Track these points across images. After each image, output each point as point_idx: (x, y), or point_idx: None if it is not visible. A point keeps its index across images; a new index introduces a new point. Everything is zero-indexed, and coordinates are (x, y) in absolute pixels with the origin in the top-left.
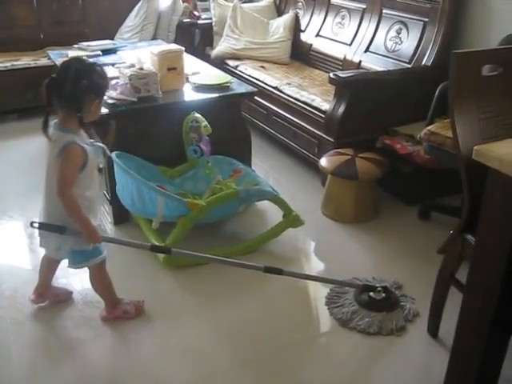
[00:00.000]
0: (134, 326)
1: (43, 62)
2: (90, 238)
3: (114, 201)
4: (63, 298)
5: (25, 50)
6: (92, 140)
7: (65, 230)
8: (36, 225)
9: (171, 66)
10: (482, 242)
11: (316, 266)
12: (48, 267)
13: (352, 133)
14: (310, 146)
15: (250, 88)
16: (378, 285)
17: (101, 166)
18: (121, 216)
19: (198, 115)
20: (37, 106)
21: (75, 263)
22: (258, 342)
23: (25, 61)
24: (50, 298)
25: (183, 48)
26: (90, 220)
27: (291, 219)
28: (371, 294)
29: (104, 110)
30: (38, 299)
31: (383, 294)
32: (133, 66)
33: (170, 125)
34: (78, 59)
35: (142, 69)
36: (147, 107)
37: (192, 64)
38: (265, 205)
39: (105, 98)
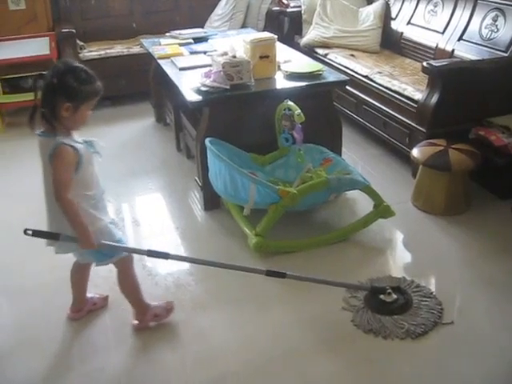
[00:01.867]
0: (213, 307)
1: (136, 50)
2: (84, 244)
3: (206, 187)
4: (100, 305)
5: (118, 38)
6: (84, 138)
7: (59, 236)
8: (30, 232)
9: (264, 54)
10: None
11: (403, 257)
12: (79, 278)
13: (445, 123)
14: (400, 136)
15: (342, 76)
16: (387, 286)
17: (100, 159)
18: (212, 202)
19: (291, 103)
20: (129, 93)
21: (100, 260)
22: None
23: (118, 49)
24: (88, 308)
25: (275, 36)
26: (87, 226)
27: (382, 210)
28: (381, 296)
29: (197, 97)
30: (75, 315)
31: (394, 296)
32: (225, 53)
33: (262, 112)
34: (65, 61)
35: (234, 57)
36: (240, 94)
37: (283, 52)
38: (355, 194)
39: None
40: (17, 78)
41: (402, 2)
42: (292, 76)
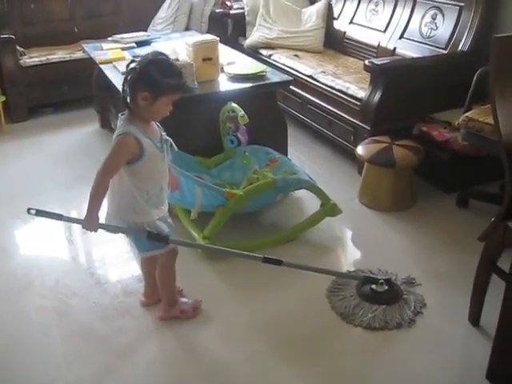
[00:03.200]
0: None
1: (78, 55)
2: (86, 223)
3: None
4: (189, 315)
5: (60, 43)
6: (163, 134)
7: (62, 216)
8: (33, 211)
9: (206, 57)
10: None
11: (352, 254)
12: (148, 265)
13: (388, 120)
14: (345, 135)
15: (286, 77)
16: (380, 277)
17: (169, 160)
18: None
19: (234, 105)
20: (72, 99)
21: (141, 250)
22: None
23: (60, 54)
24: (157, 298)
25: (218, 38)
26: (98, 210)
27: (329, 208)
28: (373, 286)
29: None
30: (147, 301)
31: (385, 287)
32: None
33: (207, 115)
34: (155, 52)
35: (177, 60)
36: (183, 98)
37: (226, 54)
38: (302, 194)
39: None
40: None
41: (344, 2)
42: (235, 78)
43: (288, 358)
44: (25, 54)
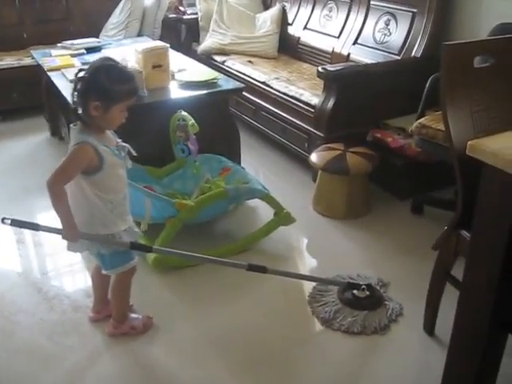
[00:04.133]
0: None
1: (27, 61)
2: (66, 233)
3: None
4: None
5: (8, 49)
6: (119, 141)
7: (38, 226)
8: (8, 221)
9: (156, 64)
10: (478, 238)
11: (308, 263)
12: (101, 279)
13: (342, 127)
14: (299, 142)
15: (238, 84)
16: (362, 282)
17: (129, 166)
18: None
19: (184, 113)
20: (21, 106)
21: (108, 268)
22: (246, 344)
23: (8, 61)
24: (106, 313)
25: (168, 45)
26: (70, 217)
27: (282, 217)
28: (355, 291)
29: None
30: (96, 316)
31: (367, 292)
32: None
33: (157, 124)
34: (104, 58)
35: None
36: (132, 106)
37: (178, 61)
38: (256, 202)
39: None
40: None
41: (298, 8)
42: (186, 85)
43: (253, 370)
44: None
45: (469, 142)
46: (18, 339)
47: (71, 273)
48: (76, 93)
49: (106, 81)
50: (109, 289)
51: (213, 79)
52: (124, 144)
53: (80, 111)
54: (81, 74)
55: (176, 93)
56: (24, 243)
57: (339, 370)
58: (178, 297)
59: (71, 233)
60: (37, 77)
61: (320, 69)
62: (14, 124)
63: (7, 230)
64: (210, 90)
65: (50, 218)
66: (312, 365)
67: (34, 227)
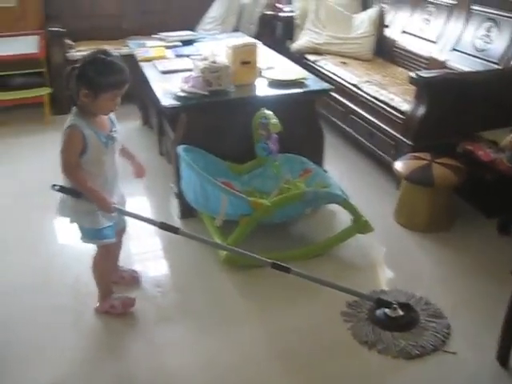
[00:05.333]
0: (178, 322)
1: (124, 50)
2: (102, 208)
3: (180, 195)
4: (129, 282)
5: (108, 39)
6: (114, 129)
7: (80, 194)
8: (56, 187)
9: (245, 60)
10: None
11: (381, 274)
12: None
13: (431, 136)
14: (386, 148)
15: (326, 85)
16: (394, 301)
17: (117, 154)
18: (187, 211)
19: (267, 111)
20: None
21: (82, 238)
22: (296, 351)
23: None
24: (117, 281)
25: (258, 42)
26: (98, 193)
27: (360, 225)
28: (387, 310)
29: (173, 103)
30: None
31: (400, 312)
32: (206, 58)
33: (241, 120)
34: (98, 50)
35: (214, 62)
36: (218, 101)
37: (268, 58)
38: (335, 207)
39: (114, 91)
40: (5, 76)
41: (397, 10)
42: (273, 83)
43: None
44: (73, 48)
45: None
46: (86, 321)
47: (148, 257)
48: (71, 80)
49: (93, 72)
50: (118, 258)
51: (300, 79)
52: (115, 135)
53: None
54: (76, 65)
55: (262, 90)
56: None
57: None
58: (244, 294)
59: (103, 205)
60: (132, 66)
61: (412, 74)
62: None
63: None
64: (296, 90)
65: (135, 203)
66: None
67: (78, 195)
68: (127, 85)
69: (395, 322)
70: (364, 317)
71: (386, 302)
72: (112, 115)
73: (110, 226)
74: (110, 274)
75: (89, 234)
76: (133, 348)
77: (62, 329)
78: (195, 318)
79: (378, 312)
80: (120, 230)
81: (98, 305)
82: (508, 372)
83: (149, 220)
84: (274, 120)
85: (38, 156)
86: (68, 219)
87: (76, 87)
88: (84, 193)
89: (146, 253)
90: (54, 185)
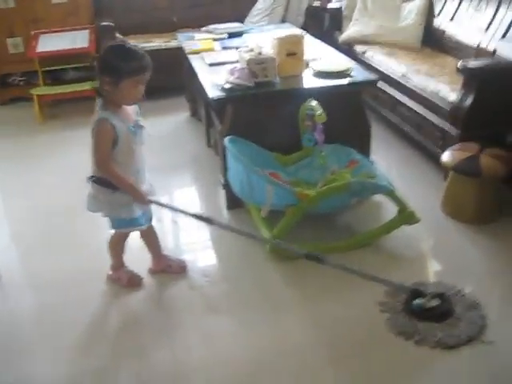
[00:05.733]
0: (225, 311)
1: (174, 44)
2: (138, 200)
3: (227, 186)
4: (175, 270)
5: (159, 32)
6: (139, 119)
7: (115, 188)
8: (93, 179)
9: (291, 51)
10: None
11: (427, 265)
12: (146, 239)
13: (479, 126)
14: (434, 139)
15: (371, 76)
16: (429, 292)
17: (142, 144)
18: (234, 202)
19: (313, 103)
20: (166, 86)
21: (114, 226)
22: (338, 340)
23: (157, 42)
24: (164, 269)
25: (304, 33)
26: (133, 186)
27: (406, 216)
28: (422, 301)
29: (220, 94)
30: (153, 269)
31: (434, 303)
32: (252, 50)
33: (287, 111)
34: (118, 40)
35: (260, 53)
36: (263, 92)
37: (315, 49)
38: (381, 198)
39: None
40: (58, 70)
41: None
42: (319, 74)
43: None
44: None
45: None
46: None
47: (199, 247)
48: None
49: (113, 58)
50: (158, 245)
51: (346, 70)
52: (141, 124)
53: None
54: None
55: (308, 81)
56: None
57: None
58: (289, 283)
59: (139, 197)
60: (181, 58)
61: (460, 63)
62: (159, 103)
63: None
64: (342, 81)
65: (183, 194)
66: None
67: (114, 187)
68: (148, 72)
69: (430, 313)
70: (400, 307)
71: (421, 292)
72: (135, 106)
73: (142, 214)
74: (123, 250)
75: (122, 224)
76: (183, 336)
77: (110, 315)
78: (242, 306)
79: (414, 302)
80: (151, 217)
81: (110, 273)
82: None
83: (183, 211)
84: (320, 111)
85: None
86: (100, 213)
87: (99, 76)
88: (120, 186)
89: (195, 243)
90: (92, 176)
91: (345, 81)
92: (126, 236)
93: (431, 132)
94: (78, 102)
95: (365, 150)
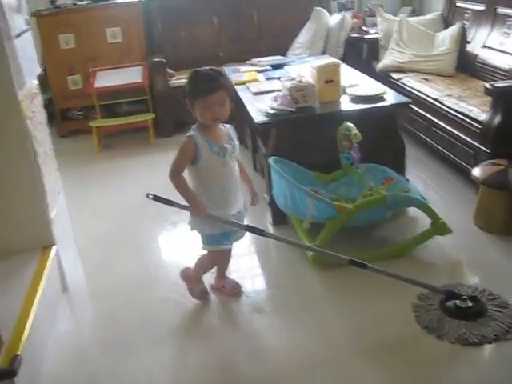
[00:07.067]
0: (271, 313)
1: None
2: (194, 211)
3: (273, 203)
4: (228, 292)
5: (206, 65)
6: (232, 142)
7: (173, 203)
8: (151, 196)
9: (328, 79)
10: None
11: (459, 275)
12: (221, 260)
13: (509, 143)
14: (466, 157)
15: (403, 99)
16: (464, 293)
17: (233, 163)
18: (279, 218)
19: (349, 124)
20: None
21: (202, 244)
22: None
23: None
24: (218, 288)
25: (341, 62)
26: (196, 197)
27: (438, 227)
28: (457, 301)
29: (264, 119)
30: (215, 285)
31: (469, 303)
32: (293, 78)
33: (326, 133)
34: (204, 67)
35: (300, 81)
36: (303, 116)
37: (352, 76)
38: (416, 212)
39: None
40: (114, 104)
41: (478, 26)
42: (355, 99)
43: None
44: (174, 76)
45: None
46: (185, 313)
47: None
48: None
49: (189, 81)
50: (227, 266)
51: (380, 94)
52: (229, 147)
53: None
54: None
55: (344, 105)
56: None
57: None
58: (327, 290)
59: (197, 210)
60: None
61: (487, 85)
62: None
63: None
64: (376, 104)
65: None
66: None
67: (170, 203)
68: (218, 92)
69: (463, 312)
70: (433, 307)
71: (456, 294)
72: (231, 130)
73: (224, 232)
74: (207, 271)
75: (207, 240)
76: (232, 334)
77: (169, 317)
78: (286, 310)
79: (448, 303)
80: (237, 239)
81: (185, 274)
82: None
83: (236, 224)
84: (355, 131)
85: (146, 174)
86: (190, 227)
87: (186, 102)
88: (181, 194)
89: (245, 255)
90: (149, 193)
91: (379, 104)
92: (216, 260)
93: (463, 150)
94: (132, 134)
95: (400, 168)
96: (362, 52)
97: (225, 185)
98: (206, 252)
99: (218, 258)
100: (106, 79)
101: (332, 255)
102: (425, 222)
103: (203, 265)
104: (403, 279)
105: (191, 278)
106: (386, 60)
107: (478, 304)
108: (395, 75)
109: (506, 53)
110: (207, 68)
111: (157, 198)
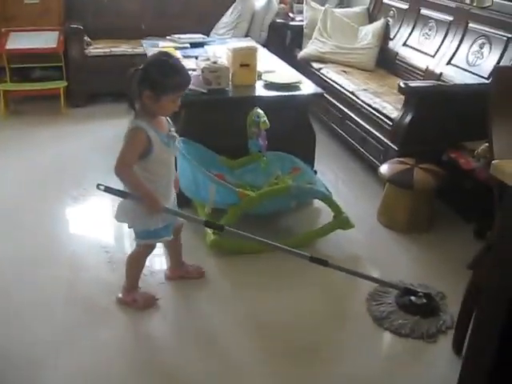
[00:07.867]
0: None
1: (140, 50)
2: (151, 207)
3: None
4: (196, 274)
5: (126, 38)
6: (172, 129)
7: (127, 195)
8: (102, 187)
9: (244, 63)
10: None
11: (356, 268)
12: (172, 247)
13: (417, 143)
14: (376, 153)
15: (317, 89)
16: (420, 290)
17: (176, 155)
18: (183, 200)
19: (259, 110)
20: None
21: (136, 239)
22: (288, 334)
23: (124, 48)
24: (182, 275)
25: (257, 46)
26: (149, 192)
27: (340, 221)
28: (412, 297)
29: None
30: (170, 274)
31: (424, 300)
32: (208, 59)
33: (236, 118)
34: (161, 52)
35: (215, 63)
36: (215, 99)
37: (270, 62)
38: (321, 205)
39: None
40: (25, 68)
41: (401, 23)
42: (269, 85)
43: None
44: (91, 45)
45: (492, 162)
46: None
47: None
48: (133, 82)
49: (157, 74)
50: (181, 254)
51: (295, 82)
52: (174, 134)
53: (135, 98)
54: (139, 67)
55: (257, 91)
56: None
57: (374, 365)
58: (226, 279)
59: (155, 206)
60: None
61: (401, 83)
62: (123, 106)
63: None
64: (289, 92)
65: None
66: (352, 356)
67: (123, 195)
68: (188, 86)
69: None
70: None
71: (414, 291)
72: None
73: (167, 225)
74: (142, 270)
75: (143, 235)
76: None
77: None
78: (184, 297)
79: (404, 299)
80: (177, 228)
81: (120, 295)
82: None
83: (195, 219)
84: (264, 118)
85: (53, 145)
86: (126, 224)
87: (138, 89)
88: (134, 191)
89: None
90: (100, 184)
91: (292, 92)
92: (148, 253)
93: (374, 146)
94: (43, 101)
95: (309, 159)
96: (285, 38)
97: (171, 175)
98: (134, 250)
99: (149, 250)
100: (19, 41)
101: (293, 252)
102: (329, 214)
103: (139, 262)
104: (363, 276)
105: (127, 287)
106: (308, 49)
107: (433, 302)
108: (316, 65)
109: (425, 53)
110: (170, 57)
111: (108, 190)
